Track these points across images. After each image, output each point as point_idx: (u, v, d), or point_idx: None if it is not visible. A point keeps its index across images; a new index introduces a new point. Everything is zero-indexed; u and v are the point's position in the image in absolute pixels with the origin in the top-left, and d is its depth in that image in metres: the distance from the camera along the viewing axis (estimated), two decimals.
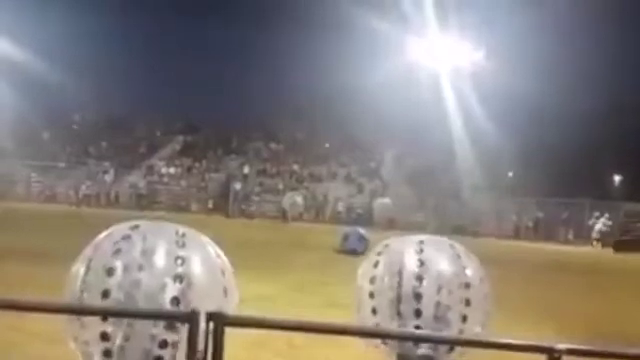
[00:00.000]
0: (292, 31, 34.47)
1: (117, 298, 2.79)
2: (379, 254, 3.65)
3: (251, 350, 4.92)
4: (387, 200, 28.95)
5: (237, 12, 42.65)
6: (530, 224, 29.75)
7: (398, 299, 3.42)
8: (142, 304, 2.78)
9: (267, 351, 5.05)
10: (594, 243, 26.60)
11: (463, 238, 23.80)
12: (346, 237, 13.88)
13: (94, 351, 2.79)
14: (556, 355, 2.64)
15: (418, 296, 3.38)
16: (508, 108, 31.25)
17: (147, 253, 2.84)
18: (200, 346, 2.81)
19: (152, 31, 39.61)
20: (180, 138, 38.97)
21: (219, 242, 3.14)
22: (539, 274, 13.10)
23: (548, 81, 30.56)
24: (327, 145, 38.91)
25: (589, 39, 31.46)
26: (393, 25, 32.41)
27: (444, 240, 3.76)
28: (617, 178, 43.08)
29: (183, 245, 2.92)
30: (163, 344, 2.80)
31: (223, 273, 3.04)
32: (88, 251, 3.03)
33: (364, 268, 3.69)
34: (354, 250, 12.39)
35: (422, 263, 3.46)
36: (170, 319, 3.09)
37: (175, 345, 2.79)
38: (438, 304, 3.38)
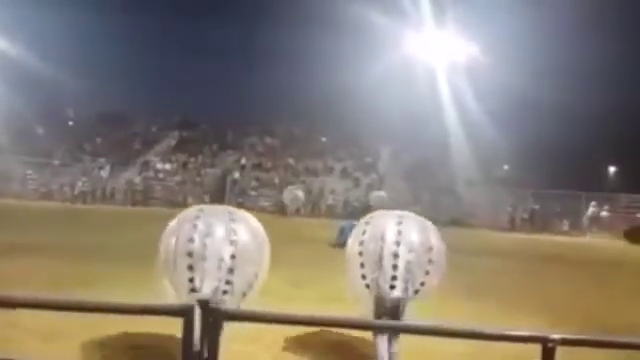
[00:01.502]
0: (289, 26, 34.43)
1: (197, 255, 4.23)
2: (367, 224, 4.96)
3: (246, 345, 4.93)
4: (383, 193, 28.94)
5: (235, 8, 42.55)
6: (525, 216, 29.85)
7: (380, 257, 4.68)
8: (210, 261, 4.23)
9: (262, 345, 5.06)
10: (592, 230, 26.97)
11: (459, 230, 24.01)
12: (342, 231, 13.85)
13: (183, 290, 4.23)
14: (550, 345, 2.66)
15: (395, 255, 4.66)
16: (504, 102, 31.33)
17: (211, 226, 4.33)
18: (196, 340, 2.82)
19: (149, 27, 39.54)
20: (175, 133, 38.88)
21: None
22: (534, 265, 13.16)
23: (543, 75, 30.67)
24: (323, 139, 38.89)
25: (584, 34, 31.51)
26: (390, 20, 32.43)
27: (417, 217, 5.06)
28: (612, 170, 43.30)
29: (233, 220, 4.45)
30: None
31: (261, 239, 4.63)
32: (174, 227, 4.48)
33: (354, 234, 5.01)
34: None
35: (399, 232, 4.74)
36: (166, 314, 3.12)
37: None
38: (409, 262, 4.67)
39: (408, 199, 27.49)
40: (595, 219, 28.10)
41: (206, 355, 2.82)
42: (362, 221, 5.08)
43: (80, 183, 31.16)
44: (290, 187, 30.44)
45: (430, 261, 4.76)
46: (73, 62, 32.62)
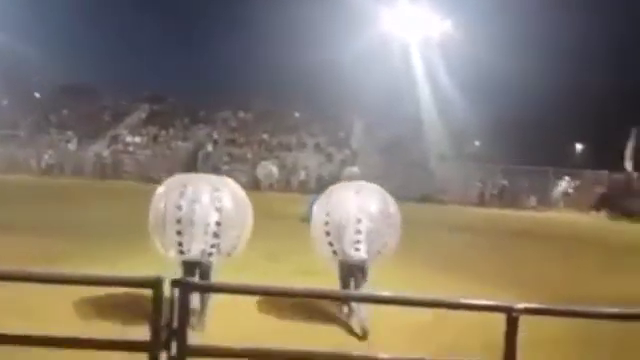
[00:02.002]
0: (263, 1, 33.83)
1: (185, 220, 4.63)
2: (330, 195, 5.46)
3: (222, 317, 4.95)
4: (355, 169, 28.91)
5: None
6: (495, 191, 30.36)
7: (344, 225, 5.15)
8: (198, 231, 4.64)
9: (235, 318, 5.08)
10: (560, 205, 27.70)
11: (430, 206, 24.22)
12: (312, 205, 13.89)
13: (172, 252, 4.74)
14: (514, 314, 2.74)
15: (358, 221, 5.14)
16: (476, 78, 31.57)
17: (197, 193, 4.72)
18: (165, 312, 2.82)
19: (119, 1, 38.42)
20: (146, 106, 38.10)
21: None
22: (503, 240, 13.44)
23: (514, 52, 30.90)
24: (297, 115, 38.66)
25: (555, 12, 31.82)
26: None
27: (375, 186, 5.58)
28: (579, 147, 44.32)
29: (218, 188, 4.84)
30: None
31: (244, 205, 5.04)
32: (162, 193, 4.85)
33: (319, 205, 5.47)
34: None
35: (360, 200, 5.23)
36: (136, 285, 3.10)
37: None
38: (370, 227, 5.14)
39: (381, 175, 27.64)
40: (565, 194, 28.82)
41: (175, 326, 2.82)
42: (325, 193, 5.57)
43: (47, 156, 30.45)
44: (264, 162, 30.31)
45: (389, 225, 5.29)
46: (39, 32, 31.63)
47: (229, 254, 4.92)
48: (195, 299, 4.60)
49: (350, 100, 34.31)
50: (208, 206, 4.69)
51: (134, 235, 9.48)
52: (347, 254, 5.15)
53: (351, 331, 5.18)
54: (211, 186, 4.84)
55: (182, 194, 4.70)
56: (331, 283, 5.55)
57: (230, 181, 5.22)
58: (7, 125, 31.62)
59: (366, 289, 5.23)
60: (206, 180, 4.95)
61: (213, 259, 4.81)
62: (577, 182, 29.32)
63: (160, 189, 4.94)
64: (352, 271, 5.26)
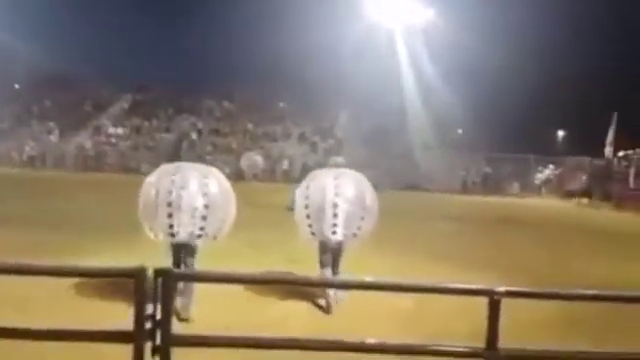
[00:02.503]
0: None
1: (175, 205, 4.97)
2: (310, 181, 5.78)
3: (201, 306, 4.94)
4: (340, 159, 28.89)
5: None
6: (478, 179, 30.61)
7: (322, 208, 5.49)
8: (186, 214, 4.98)
9: (218, 307, 5.08)
10: (542, 191, 28.03)
11: (415, 194, 24.33)
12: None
13: (163, 234, 5.05)
14: (496, 297, 2.78)
15: (335, 205, 5.49)
16: (458, 66, 31.66)
17: (186, 180, 5.06)
18: (149, 301, 2.81)
19: None
20: (129, 97, 37.65)
21: None
22: (487, 227, 13.57)
23: (497, 40, 31.01)
24: (281, 105, 38.49)
25: (538, 0, 31.96)
26: None
27: (352, 172, 5.91)
28: (560, 134, 44.79)
29: (205, 175, 5.19)
30: None
31: (228, 191, 5.34)
32: (153, 181, 5.17)
33: (300, 189, 5.79)
34: None
35: (337, 186, 5.55)
36: (119, 276, 3.08)
37: None
38: (347, 211, 5.50)
39: (366, 164, 27.70)
40: (547, 181, 29.15)
41: (159, 316, 2.81)
42: (307, 178, 5.93)
43: (28, 148, 30.04)
44: (248, 153, 30.16)
45: (364, 209, 5.61)
46: (19, 22, 31.01)
47: (215, 237, 5.22)
48: (180, 286, 4.78)
49: (335, 89, 34.23)
50: (196, 192, 5.02)
51: (117, 226, 9.44)
52: (325, 236, 5.51)
53: (339, 317, 5.21)
54: (199, 172, 5.19)
55: (173, 181, 5.04)
56: (315, 271, 5.58)
57: (214, 169, 5.51)
58: None
59: (346, 273, 5.63)
60: (194, 167, 5.29)
61: (200, 241, 5.13)
62: (557, 169, 29.66)
63: (151, 177, 5.28)
64: (330, 251, 5.65)
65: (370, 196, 5.71)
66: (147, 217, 5.11)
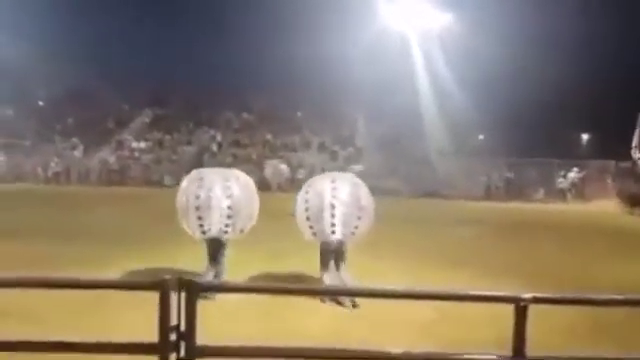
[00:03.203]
0: (261, 1, 33.80)
1: (203, 207, 5.97)
2: (309, 186, 6.31)
3: (227, 319, 4.95)
4: (360, 167, 28.98)
5: None
6: (500, 184, 30.23)
7: (321, 210, 5.97)
8: (216, 213, 5.98)
9: (242, 317, 5.08)
10: (568, 195, 27.45)
11: (435, 201, 24.12)
12: None
13: (196, 232, 6.13)
14: (523, 304, 2.73)
15: (333, 206, 5.94)
16: (478, 72, 31.34)
17: (212, 183, 6.05)
18: (173, 313, 2.82)
19: (117, 2, 38.39)
20: (149, 111, 38.18)
21: None
22: (510, 233, 13.38)
23: (517, 44, 30.74)
24: (299, 114, 38.60)
25: (557, 3, 31.63)
26: None
27: (349, 175, 6.60)
28: (584, 137, 44.07)
29: (227, 179, 6.14)
30: None
31: (250, 191, 6.36)
32: (183, 187, 6.25)
33: (300, 194, 6.31)
34: None
35: (334, 189, 6.02)
36: (141, 288, 3.10)
37: None
38: (344, 212, 5.95)
39: (384, 172, 27.60)
40: (574, 185, 28.56)
41: (183, 328, 2.82)
42: (307, 183, 6.52)
43: (53, 164, 30.56)
44: (272, 161, 30.15)
45: (360, 209, 6.08)
46: (41, 41, 31.72)
47: (242, 231, 6.16)
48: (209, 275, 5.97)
49: (353, 97, 34.20)
50: (221, 195, 5.93)
51: (141, 238, 9.56)
52: (325, 236, 5.97)
53: (361, 325, 5.17)
54: (221, 177, 6.10)
55: (199, 186, 5.97)
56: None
57: (238, 172, 6.50)
58: (13, 134, 31.76)
59: (345, 270, 6.11)
60: (215, 172, 6.29)
61: (228, 236, 6.10)
62: (582, 173, 29.10)
63: (182, 184, 6.30)
64: (331, 251, 6.07)
65: (365, 197, 6.20)
66: (183, 218, 6.14)
